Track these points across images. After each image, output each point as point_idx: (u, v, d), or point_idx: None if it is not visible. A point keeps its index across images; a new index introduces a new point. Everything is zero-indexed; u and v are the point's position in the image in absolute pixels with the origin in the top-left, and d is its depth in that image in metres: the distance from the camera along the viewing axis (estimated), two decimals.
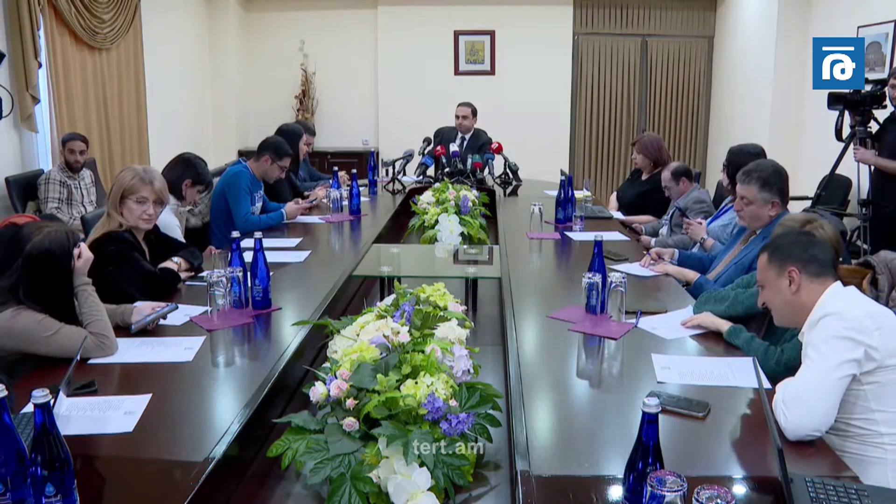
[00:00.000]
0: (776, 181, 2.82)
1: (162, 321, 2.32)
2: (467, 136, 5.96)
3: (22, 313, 1.98)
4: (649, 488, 1.12)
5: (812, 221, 2.30)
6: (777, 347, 2.16)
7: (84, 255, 2.12)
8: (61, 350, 1.97)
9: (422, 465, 1.49)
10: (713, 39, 8.38)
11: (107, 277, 2.47)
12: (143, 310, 2.31)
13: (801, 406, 1.66)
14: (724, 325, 2.26)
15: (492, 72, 8.43)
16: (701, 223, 3.69)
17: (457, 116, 6.00)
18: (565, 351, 2.24)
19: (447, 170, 5.24)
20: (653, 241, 4.14)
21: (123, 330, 2.23)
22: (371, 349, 1.77)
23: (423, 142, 5.55)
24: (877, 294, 2.24)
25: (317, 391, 1.70)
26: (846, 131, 4.47)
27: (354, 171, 4.78)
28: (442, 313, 2.02)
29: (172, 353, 2.10)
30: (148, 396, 1.79)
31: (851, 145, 4.42)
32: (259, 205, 4.12)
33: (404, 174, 5.42)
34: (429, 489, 1.48)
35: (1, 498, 1.30)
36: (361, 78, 8.46)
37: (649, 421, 1.24)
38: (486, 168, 5.26)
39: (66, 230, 2.12)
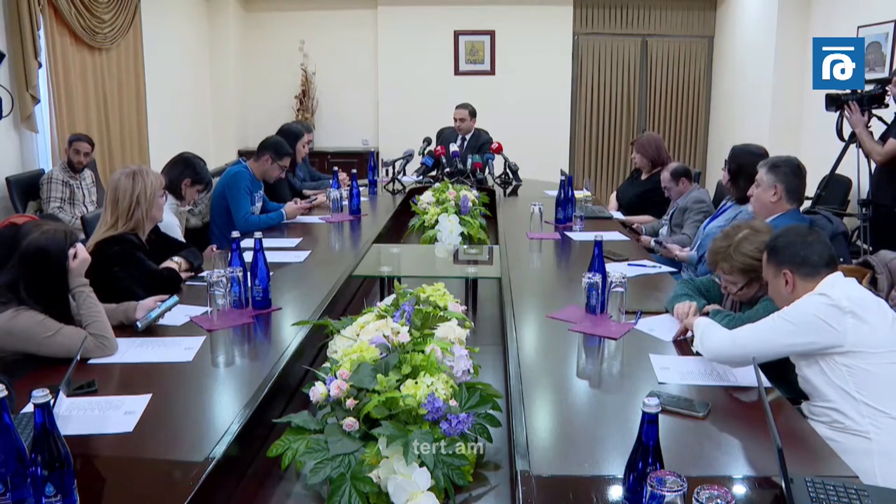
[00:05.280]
0: (786, 170, 2.86)
1: (162, 321, 2.32)
2: (468, 137, 5.96)
3: (22, 314, 1.98)
4: (649, 488, 1.12)
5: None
6: (731, 314, 2.27)
7: (80, 255, 2.11)
8: (61, 350, 1.97)
9: (422, 465, 1.49)
10: (713, 39, 8.38)
11: (112, 278, 2.49)
12: (146, 304, 2.32)
13: (731, 347, 1.96)
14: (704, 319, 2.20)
15: (492, 72, 8.43)
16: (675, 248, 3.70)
17: (455, 119, 5.98)
18: (565, 351, 2.24)
19: (447, 170, 5.23)
20: (653, 241, 4.14)
21: (124, 330, 2.23)
22: (371, 349, 1.77)
23: (423, 142, 5.55)
24: (876, 294, 2.24)
25: (317, 391, 1.70)
26: (847, 130, 4.47)
27: (354, 171, 4.78)
28: (442, 313, 2.03)
29: (172, 353, 2.10)
30: (148, 396, 1.79)
31: (853, 145, 4.42)
32: (259, 205, 4.12)
33: (404, 174, 5.42)
34: (429, 489, 1.48)
35: (1, 498, 1.30)
36: (361, 78, 8.46)
37: (649, 421, 1.24)
38: (486, 168, 5.26)
39: (64, 229, 2.12)
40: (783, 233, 2.14)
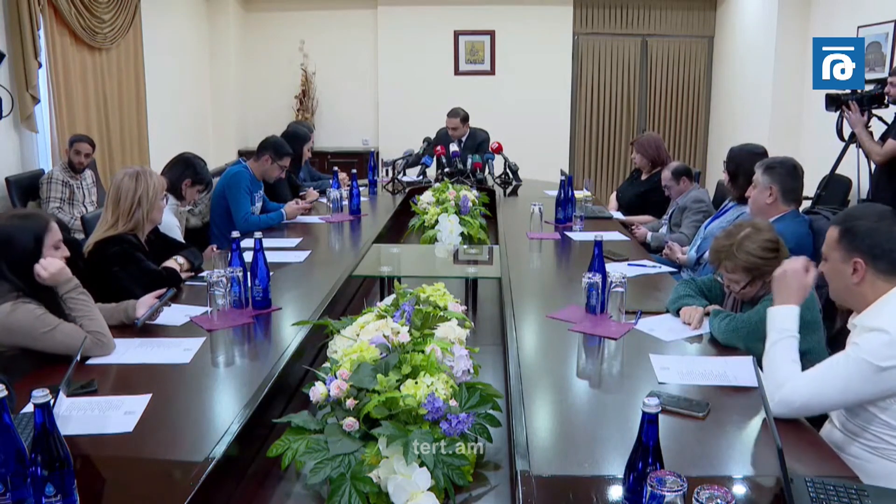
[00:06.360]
0: (781, 171, 2.86)
1: (162, 321, 2.32)
2: (464, 139, 5.94)
3: (20, 308, 1.97)
4: (649, 488, 1.12)
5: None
6: (732, 314, 2.24)
7: (49, 268, 2.04)
8: (59, 346, 1.98)
9: (422, 465, 1.49)
10: (713, 39, 8.38)
11: (111, 277, 2.50)
12: (146, 302, 2.34)
13: (816, 402, 1.71)
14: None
15: (492, 72, 8.43)
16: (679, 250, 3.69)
17: (447, 128, 5.94)
18: (565, 351, 2.24)
19: (447, 170, 5.23)
20: (649, 234, 4.15)
21: (124, 331, 2.23)
22: (371, 349, 1.77)
23: (424, 142, 5.55)
24: None
25: (317, 391, 1.70)
26: (847, 130, 4.47)
27: (354, 171, 4.78)
28: (442, 313, 2.02)
29: (172, 353, 2.10)
30: (148, 396, 1.79)
31: (853, 145, 4.42)
32: (259, 205, 4.12)
33: (404, 174, 5.42)
34: (429, 489, 1.48)
35: (1, 498, 1.30)
36: (361, 78, 8.45)
37: (649, 421, 1.24)
38: (486, 168, 5.26)
39: (45, 219, 2.09)
40: (864, 214, 1.82)
